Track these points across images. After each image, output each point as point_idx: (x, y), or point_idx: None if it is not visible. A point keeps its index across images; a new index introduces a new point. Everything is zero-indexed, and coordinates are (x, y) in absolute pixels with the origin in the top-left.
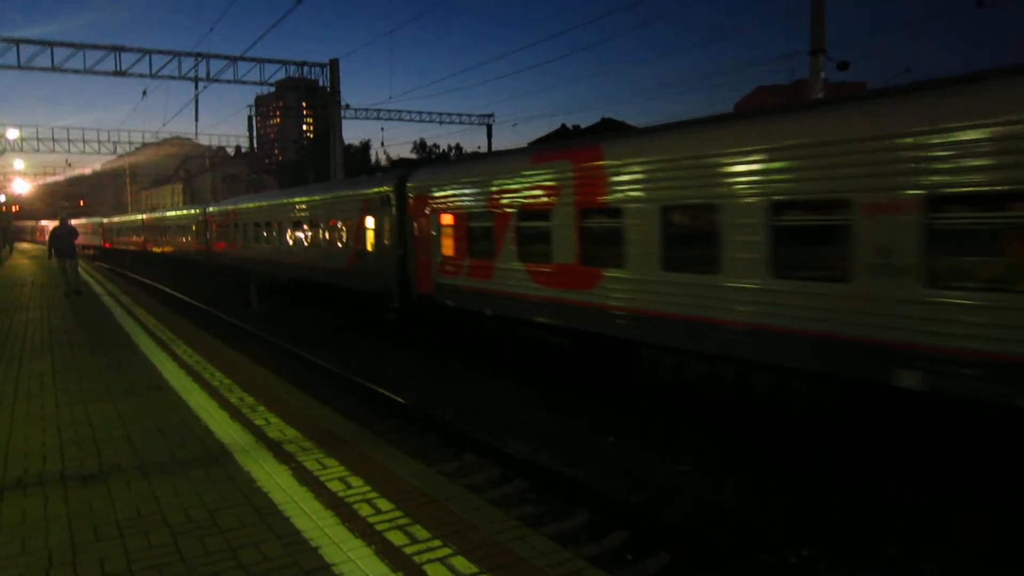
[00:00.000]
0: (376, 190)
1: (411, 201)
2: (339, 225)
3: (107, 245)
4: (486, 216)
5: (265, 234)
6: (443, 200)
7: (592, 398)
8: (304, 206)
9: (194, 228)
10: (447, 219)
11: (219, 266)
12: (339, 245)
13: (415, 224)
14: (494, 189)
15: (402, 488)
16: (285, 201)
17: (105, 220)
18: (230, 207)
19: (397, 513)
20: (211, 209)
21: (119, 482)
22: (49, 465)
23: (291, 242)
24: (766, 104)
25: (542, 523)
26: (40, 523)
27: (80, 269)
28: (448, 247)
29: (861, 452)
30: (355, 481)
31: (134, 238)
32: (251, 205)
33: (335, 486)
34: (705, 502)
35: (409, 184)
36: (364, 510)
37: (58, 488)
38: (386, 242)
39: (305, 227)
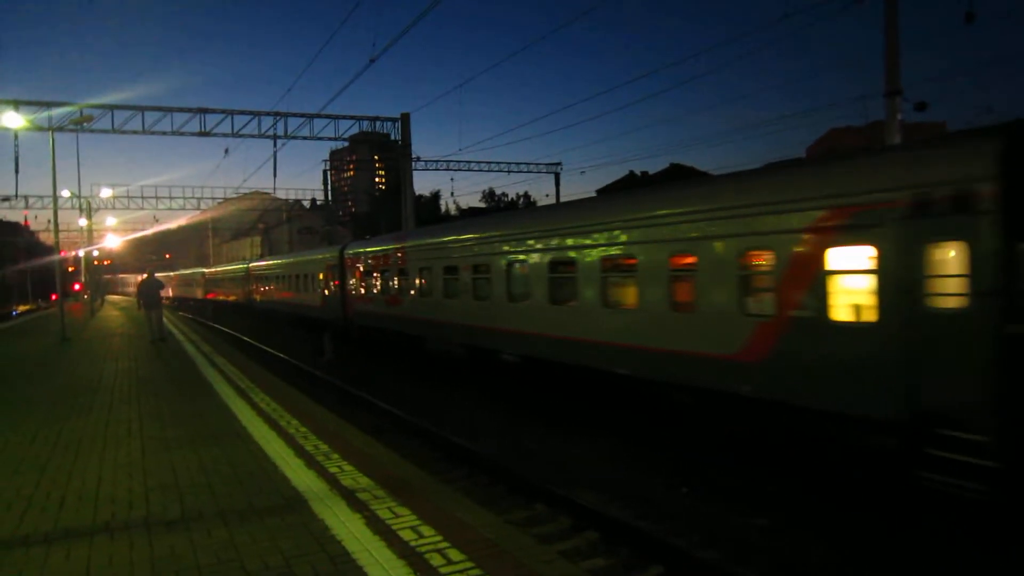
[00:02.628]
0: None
1: None
2: (752, 262)
3: (210, 296)
4: None
5: (485, 282)
6: None
7: (668, 449)
8: (623, 229)
9: (321, 277)
10: None
11: (366, 328)
12: (750, 305)
13: None
14: None
15: (473, 538)
16: (552, 226)
17: (207, 270)
18: (393, 245)
19: (468, 564)
20: (353, 251)
21: (200, 529)
22: (135, 511)
23: (570, 299)
24: (839, 146)
25: None
26: (126, 567)
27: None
28: None
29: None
30: (427, 530)
31: (236, 290)
32: (449, 239)
33: (407, 535)
34: (785, 559)
35: None
36: (436, 560)
37: (143, 534)
38: (959, 303)
39: (620, 271)
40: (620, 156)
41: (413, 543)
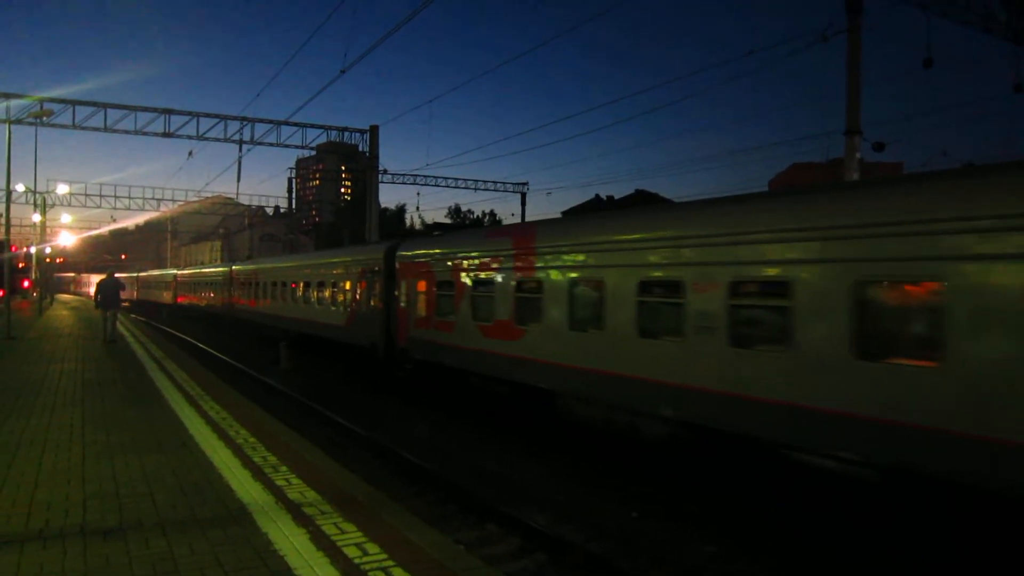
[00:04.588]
0: None
1: None
2: None
3: (181, 301)
4: None
5: (762, 314)
6: None
7: (619, 473)
8: None
9: (348, 287)
10: None
11: (433, 364)
12: None
13: None
14: None
15: (419, 557)
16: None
17: (178, 272)
18: (503, 245)
19: None
20: (413, 252)
21: (138, 539)
22: (71, 518)
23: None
24: (800, 181)
25: None
26: None
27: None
28: None
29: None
30: (372, 548)
31: (212, 295)
32: (657, 235)
33: (352, 552)
34: None
35: None
36: None
37: (78, 542)
38: None
39: None
40: (586, 179)
41: (357, 560)
